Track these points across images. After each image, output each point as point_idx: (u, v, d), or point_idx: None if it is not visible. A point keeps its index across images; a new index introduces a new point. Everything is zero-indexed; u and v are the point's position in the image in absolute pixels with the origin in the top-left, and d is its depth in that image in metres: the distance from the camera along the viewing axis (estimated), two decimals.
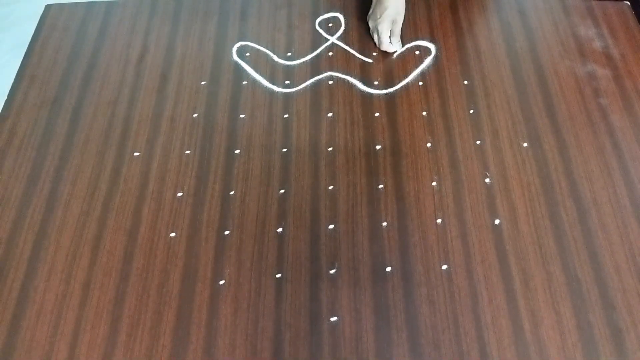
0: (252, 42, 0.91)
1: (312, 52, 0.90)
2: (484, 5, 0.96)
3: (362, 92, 0.85)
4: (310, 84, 0.86)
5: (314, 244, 0.70)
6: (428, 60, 0.88)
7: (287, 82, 0.86)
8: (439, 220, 0.71)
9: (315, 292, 0.66)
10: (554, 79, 0.85)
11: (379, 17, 0.84)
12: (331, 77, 0.87)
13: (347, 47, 0.90)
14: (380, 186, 0.75)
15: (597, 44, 0.89)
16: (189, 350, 0.63)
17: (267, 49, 0.91)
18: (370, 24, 0.87)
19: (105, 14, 0.97)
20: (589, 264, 0.67)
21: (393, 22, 0.85)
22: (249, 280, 0.67)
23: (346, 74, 0.87)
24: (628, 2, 0.95)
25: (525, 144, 0.78)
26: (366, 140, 0.79)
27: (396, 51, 0.86)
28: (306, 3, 0.98)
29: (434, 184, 0.75)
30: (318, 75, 0.87)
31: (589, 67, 0.87)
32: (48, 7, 0.99)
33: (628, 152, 0.77)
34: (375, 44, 0.90)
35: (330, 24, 0.94)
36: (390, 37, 0.86)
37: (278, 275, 0.68)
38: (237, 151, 0.79)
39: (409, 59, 0.89)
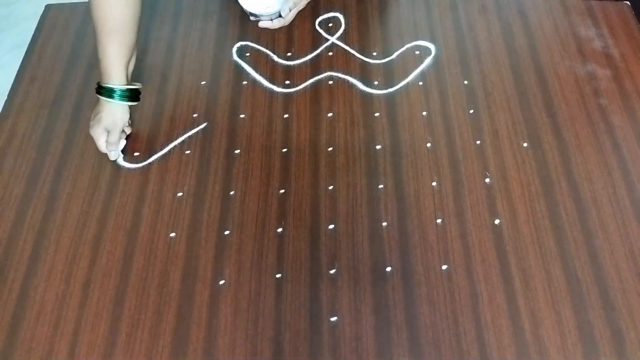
0: (252, 42, 0.91)
1: (312, 52, 0.90)
2: (484, 5, 0.96)
3: (362, 92, 0.85)
4: (310, 84, 0.86)
5: (314, 244, 0.70)
6: (428, 60, 0.88)
7: (287, 82, 0.86)
8: (439, 220, 0.71)
9: (315, 292, 0.66)
10: (554, 79, 0.85)
11: (92, 120, 0.77)
12: (331, 77, 0.87)
13: (347, 47, 0.90)
14: (380, 186, 0.75)
15: (597, 44, 0.89)
16: (189, 350, 0.63)
17: (267, 49, 0.91)
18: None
19: None
20: (589, 264, 0.67)
21: (107, 132, 0.76)
22: (249, 280, 0.67)
23: (346, 74, 0.87)
24: (628, 2, 0.95)
25: (525, 144, 0.78)
26: (366, 140, 0.79)
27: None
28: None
29: (434, 184, 0.75)
30: (318, 75, 0.87)
31: (589, 67, 0.87)
32: (48, 7, 0.99)
33: (628, 152, 0.77)
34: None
35: (330, 24, 0.94)
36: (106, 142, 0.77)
37: (278, 275, 0.68)
38: (237, 151, 0.79)
39: (409, 59, 0.89)
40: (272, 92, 0.85)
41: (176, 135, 0.81)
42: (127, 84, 0.77)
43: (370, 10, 0.95)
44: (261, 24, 0.82)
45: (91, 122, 0.77)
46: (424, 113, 0.82)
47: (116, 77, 0.76)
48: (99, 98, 0.76)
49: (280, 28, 0.92)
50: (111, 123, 0.76)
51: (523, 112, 0.81)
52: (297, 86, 0.86)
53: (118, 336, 0.64)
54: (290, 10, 0.78)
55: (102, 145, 0.77)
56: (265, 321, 0.64)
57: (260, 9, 0.81)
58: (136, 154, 0.79)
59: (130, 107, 0.79)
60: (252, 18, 0.86)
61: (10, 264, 0.69)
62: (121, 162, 0.78)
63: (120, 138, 0.77)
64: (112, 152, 0.77)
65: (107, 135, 0.76)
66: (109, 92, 0.75)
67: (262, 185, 0.75)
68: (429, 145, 0.79)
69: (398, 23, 0.94)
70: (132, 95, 0.78)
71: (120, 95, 0.76)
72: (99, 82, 0.77)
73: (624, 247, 0.69)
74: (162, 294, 0.67)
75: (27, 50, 0.93)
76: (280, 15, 0.80)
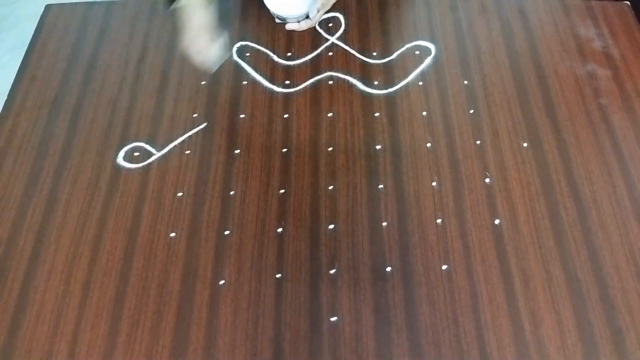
0: (252, 42, 0.91)
1: (312, 52, 0.90)
2: (483, 5, 0.96)
3: (362, 92, 0.85)
4: (310, 84, 0.86)
5: (314, 244, 0.70)
6: (428, 60, 0.88)
7: (287, 82, 0.86)
8: (439, 220, 0.71)
9: (315, 292, 0.66)
10: (554, 79, 0.85)
11: (187, 42, 0.74)
12: (331, 77, 0.87)
13: (347, 47, 0.90)
14: (380, 186, 0.75)
15: (597, 44, 0.89)
16: (189, 350, 0.63)
17: (267, 49, 0.91)
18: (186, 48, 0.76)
19: (105, 14, 0.97)
20: (589, 264, 0.67)
21: (199, 31, 0.75)
22: (249, 280, 0.67)
23: (346, 74, 0.87)
24: (628, 2, 0.95)
25: (525, 144, 0.78)
26: (366, 140, 0.79)
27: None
28: None
29: (434, 184, 0.75)
30: (318, 75, 0.87)
31: (589, 67, 0.87)
32: (48, 7, 0.99)
33: (628, 152, 0.77)
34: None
35: (330, 24, 0.94)
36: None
37: (278, 275, 0.68)
38: (237, 151, 0.79)
39: (409, 59, 0.89)
40: (272, 92, 0.85)
41: (176, 135, 0.81)
42: None
43: (370, 10, 0.95)
44: (288, 26, 0.81)
45: (187, 44, 0.73)
46: (424, 113, 0.82)
47: None
48: (175, 12, 0.72)
49: (279, 27, 0.92)
50: (199, 17, 0.73)
51: (523, 112, 0.81)
52: (297, 86, 0.86)
53: (118, 336, 0.64)
54: (318, 11, 0.78)
55: (212, 49, 0.74)
56: (265, 321, 0.64)
57: (290, 11, 0.80)
58: (136, 154, 0.79)
59: None
60: (277, 20, 0.85)
61: (10, 264, 0.69)
62: (121, 162, 0.78)
63: (209, 34, 0.74)
64: (211, 52, 0.74)
65: (199, 37, 0.73)
66: None
67: (262, 185, 0.75)
68: (429, 145, 0.78)
69: (398, 23, 0.94)
70: None
71: None
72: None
73: (624, 247, 0.69)
74: (162, 293, 0.67)
75: (27, 50, 0.93)
76: (307, 17, 0.79)
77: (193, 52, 0.75)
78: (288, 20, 0.80)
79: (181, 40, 0.74)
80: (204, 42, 0.75)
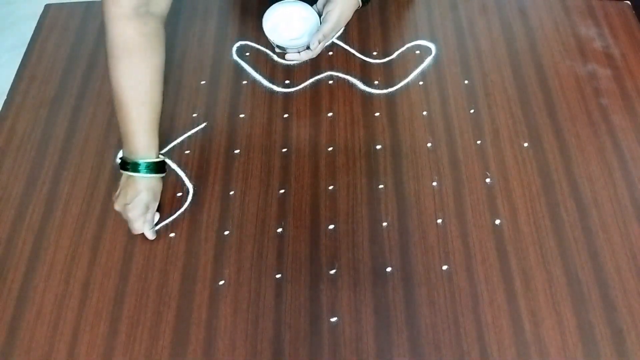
0: (252, 41, 0.91)
1: None
2: (484, 4, 0.96)
3: (362, 92, 0.85)
4: (310, 83, 0.86)
5: (314, 244, 0.70)
6: (428, 60, 0.88)
7: (287, 81, 0.86)
8: (439, 221, 0.71)
9: (315, 293, 0.66)
10: (555, 79, 0.85)
11: (129, 203, 0.68)
12: (331, 77, 0.86)
13: (347, 47, 0.90)
14: (381, 186, 0.74)
15: (598, 44, 0.89)
16: (188, 350, 0.63)
17: (267, 48, 0.90)
18: (117, 207, 0.70)
19: None
20: (589, 264, 0.67)
21: (147, 208, 0.70)
22: (249, 281, 0.67)
23: (346, 74, 0.87)
24: (629, 2, 0.95)
25: (525, 144, 0.78)
26: (366, 140, 0.79)
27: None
28: (306, 2, 0.97)
29: (434, 184, 0.74)
30: (318, 74, 0.87)
31: (589, 66, 0.86)
32: (48, 7, 0.99)
33: (629, 152, 0.77)
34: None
35: None
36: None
37: (278, 276, 0.67)
38: (237, 151, 0.79)
39: (409, 59, 0.88)
40: (272, 91, 0.85)
41: (176, 135, 0.81)
42: (159, 156, 0.71)
43: (370, 10, 0.95)
44: (288, 57, 0.79)
45: (127, 206, 0.68)
46: (425, 113, 0.82)
47: (155, 149, 0.70)
48: (129, 177, 0.69)
49: None
50: (153, 198, 0.70)
51: (524, 112, 0.81)
52: (297, 86, 0.86)
53: (117, 336, 0.64)
54: (319, 43, 0.77)
55: (140, 227, 0.69)
56: (265, 322, 0.64)
57: (290, 42, 0.79)
58: None
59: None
60: (277, 50, 0.84)
61: (9, 264, 0.69)
62: None
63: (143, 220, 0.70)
64: (150, 232, 0.70)
65: (146, 216, 0.69)
66: (142, 168, 0.69)
67: (262, 185, 0.75)
68: (429, 145, 0.78)
69: (398, 22, 0.94)
70: (162, 165, 0.72)
71: (156, 168, 0.70)
72: (124, 159, 0.70)
73: (624, 247, 0.68)
74: (162, 294, 0.66)
75: (26, 49, 0.93)
76: (308, 47, 0.79)
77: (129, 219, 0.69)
78: (288, 50, 0.80)
79: (115, 201, 0.70)
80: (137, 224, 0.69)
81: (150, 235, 0.70)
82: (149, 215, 0.70)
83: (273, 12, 0.81)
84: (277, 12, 0.81)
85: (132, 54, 0.68)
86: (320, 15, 0.80)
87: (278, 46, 0.80)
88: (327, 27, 0.76)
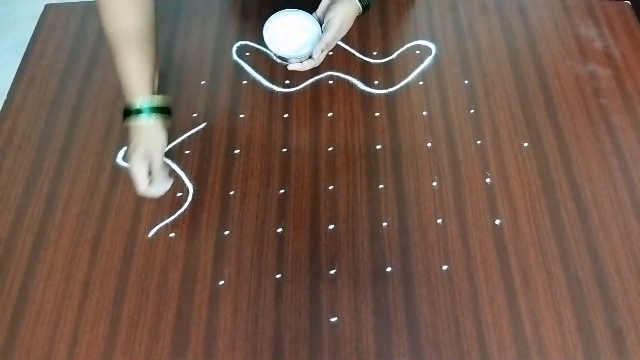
0: (252, 41, 0.91)
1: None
2: (484, 4, 0.96)
3: (363, 92, 0.85)
4: (310, 83, 0.86)
5: (314, 244, 0.70)
6: (428, 60, 0.88)
7: (287, 81, 0.86)
8: (439, 221, 0.71)
9: (315, 293, 0.66)
10: (555, 79, 0.85)
11: (129, 154, 0.67)
12: (331, 77, 0.86)
13: (347, 47, 0.90)
14: (381, 186, 0.74)
15: (598, 44, 0.89)
16: (188, 350, 0.63)
17: (267, 48, 0.90)
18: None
19: None
20: (589, 264, 0.67)
21: (147, 160, 0.68)
22: (249, 281, 0.67)
23: (346, 74, 0.86)
24: (629, 2, 0.95)
25: (525, 144, 0.78)
26: (366, 140, 0.79)
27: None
28: (306, 2, 0.97)
29: (434, 184, 0.74)
30: (318, 75, 0.87)
31: (589, 66, 0.86)
32: (48, 7, 0.99)
33: (629, 152, 0.77)
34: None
35: None
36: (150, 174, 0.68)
37: (278, 276, 0.67)
38: (237, 151, 0.79)
39: (409, 59, 0.88)
40: (272, 91, 0.85)
41: (176, 135, 0.81)
42: (153, 99, 0.69)
43: (370, 11, 0.95)
44: (290, 67, 0.79)
45: (129, 157, 0.67)
46: (425, 113, 0.82)
47: (141, 92, 0.67)
48: (129, 127, 0.68)
49: None
50: (151, 146, 0.67)
51: (524, 112, 0.81)
52: (297, 86, 0.86)
53: (117, 336, 0.64)
54: (322, 52, 0.76)
55: (143, 182, 0.66)
56: (265, 322, 0.64)
57: (293, 53, 0.79)
58: None
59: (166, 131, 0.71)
60: (279, 60, 0.84)
61: (9, 264, 0.69)
62: (120, 162, 0.78)
63: (163, 168, 0.68)
64: (159, 187, 0.66)
65: (151, 167, 0.67)
66: (137, 113, 0.67)
67: (262, 185, 0.75)
68: (429, 145, 0.78)
69: (398, 23, 0.94)
70: (164, 110, 0.70)
71: (150, 111, 0.67)
72: (124, 107, 0.69)
73: (624, 247, 0.68)
74: (162, 294, 0.66)
75: (26, 50, 0.93)
76: (310, 57, 0.78)
77: (139, 180, 0.67)
78: (290, 60, 0.80)
79: (129, 160, 0.68)
80: (155, 178, 0.69)
81: (156, 192, 0.66)
82: (154, 166, 0.66)
83: (273, 22, 0.81)
84: (277, 22, 0.81)
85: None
86: (320, 23, 0.80)
87: (280, 57, 0.80)
88: (329, 35, 0.76)
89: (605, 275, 0.66)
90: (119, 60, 0.68)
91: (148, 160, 0.67)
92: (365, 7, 0.80)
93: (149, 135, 0.69)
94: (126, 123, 0.69)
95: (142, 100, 0.68)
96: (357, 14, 0.79)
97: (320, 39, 0.76)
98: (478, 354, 0.61)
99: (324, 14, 0.79)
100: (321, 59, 0.78)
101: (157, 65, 0.72)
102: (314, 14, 0.82)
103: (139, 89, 0.68)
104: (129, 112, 0.68)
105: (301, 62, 0.78)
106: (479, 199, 0.73)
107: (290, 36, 0.80)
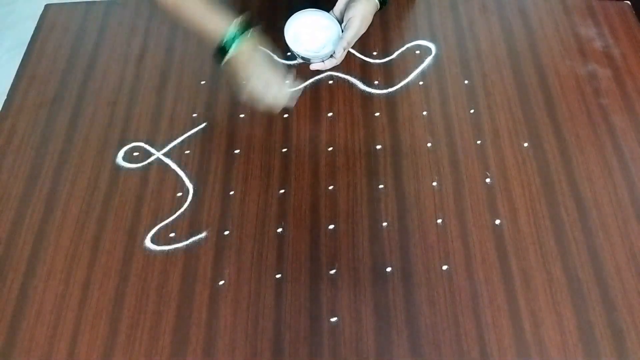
0: None
1: None
2: (484, 4, 0.96)
3: (362, 92, 0.85)
4: (310, 83, 0.86)
5: (314, 244, 0.70)
6: (428, 60, 0.88)
7: (287, 82, 0.86)
8: (439, 221, 0.71)
9: (315, 293, 0.66)
10: (555, 79, 0.85)
11: (246, 88, 0.72)
12: (331, 77, 0.86)
13: None
14: (381, 186, 0.74)
15: (598, 44, 0.89)
16: (188, 350, 0.63)
17: (267, 48, 0.90)
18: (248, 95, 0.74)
19: (105, 14, 0.97)
20: (589, 264, 0.67)
21: (261, 77, 0.73)
22: (249, 281, 0.67)
23: (346, 74, 0.87)
24: (629, 2, 0.95)
25: (525, 144, 0.78)
26: (366, 140, 0.79)
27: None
28: (306, 3, 0.97)
29: (434, 184, 0.74)
30: (318, 75, 0.87)
31: (589, 66, 0.86)
32: (48, 7, 0.99)
33: (629, 152, 0.77)
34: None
35: None
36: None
37: (278, 276, 0.67)
38: (237, 151, 0.79)
39: (409, 59, 0.88)
40: None
41: (176, 135, 0.81)
42: (237, 24, 0.72)
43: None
44: (313, 67, 0.79)
45: (248, 89, 0.72)
46: (424, 113, 0.82)
47: (224, 25, 0.71)
48: (228, 64, 0.72)
49: (280, 28, 0.92)
50: (260, 62, 0.72)
51: (524, 112, 0.81)
52: (297, 86, 0.86)
53: (117, 337, 0.64)
54: (343, 50, 0.78)
55: (275, 96, 0.72)
56: (265, 321, 0.64)
57: (315, 53, 0.79)
58: (136, 154, 0.79)
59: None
60: (300, 61, 0.84)
61: (9, 264, 0.69)
62: (120, 162, 0.78)
63: (277, 72, 0.72)
64: (282, 92, 0.72)
65: (266, 80, 0.72)
66: (231, 42, 0.71)
67: (262, 185, 0.75)
68: (429, 145, 0.78)
69: (398, 22, 0.94)
70: (245, 26, 0.73)
71: (238, 37, 0.71)
72: (216, 48, 0.72)
73: (624, 247, 0.68)
74: (162, 294, 0.66)
75: (26, 49, 0.93)
76: (331, 56, 0.79)
77: (267, 96, 0.73)
78: (312, 60, 0.80)
79: (248, 88, 0.73)
80: (276, 84, 0.74)
81: (284, 97, 0.72)
82: (266, 76, 0.72)
83: (293, 22, 0.81)
84: (297, 23, 0.82)
85: None
86: (340, 22, 0.80)
87: (302, 57, 0.80)
88: (350, 33, 0.77)
89: (605, 275, 0.66)
90: (190, 12, 0.72)
91: (263, 79, 0.72)
92: (383, 3, 0.81)
93: (250, 54, 0.72)
94: (224, 59, 0.72)
95: (230, 30, 0.71)
96: (375, 11, 0.81)
97: (341, 37, 0.77)
98: (478, 354, 0.61)
99: (342, 12, 0.80)
100: (342, 58, 0.79)
101: None
102: (331, 12, 0.82)
103: (221, 24, 0.71)
104: (223, 49, 0.71)
105: (323, 61, 0.79)
106: (479, 199, 0.73)
107: (312, 36, 0.81)
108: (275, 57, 0.89)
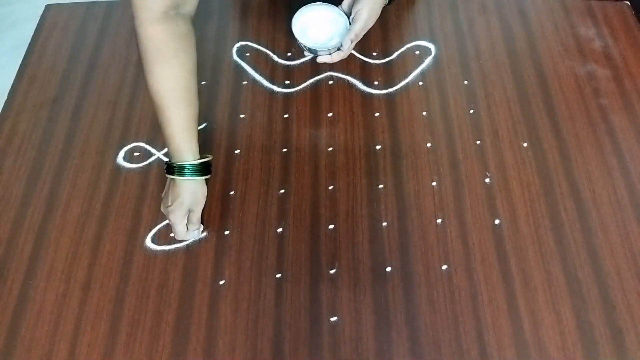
0: (252, 42, 0.91)
1: None
2: (484, 5, 0.96)
3: (362, 92, 0.85)
4: (310, 84, 0.86)
5: (314, 244, 0.70)
6: (428, 60, 0.88)
7: (287, 82, 0.86)
8: (439, 221, 0.71)
9: (315, 292, 0.66)
10: (554, 79, 0.85)
11: (170, 205, 0.69)
12: (331, 77, 0.87)
13: None
14: (380, 186, 0.75)
15: (597, 44, 0.89)
16: (189, 350, 0.63)
17: (267, 49, 0.91)
18: (162, 209, 0.72)
19: (105, 14, 0.97)
20: (589, 264, 0.67)
21: (189, 211, 0.70)
22: (249, 280, 0.67)
23: (346, 74, 0.87)
24: (628, 2, 0.95)
25: (525, 144, 0.78)
26: (366, 140, 0.79)
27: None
28: (306, 3, 0.97)
29: (434, 184, 0.75)
30: (318, 75, 0.87)
31: (588, 67, 0.87)
32: (48, 7, 0.99)
33: (628, 152, 0.77)
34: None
35: None
36: (187, 224, 0.70)
37: (278, 275, 0.68)
38: (237, 151, 0.79)
39: (409, 59, 0.89)
40: (272, 92, 0.85)
41: None
42: (200, 157, 0.71)
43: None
44: (320, 59, 0.79)
45: (168, 208, 0.69)
46: (424, 113, 0.82)
47: (189, 152, 0.69)
48: (172, 180, 0.70)
49: (279, 27, 0.92)
50: (194, 202, 0.70)
51: (523, 112, 0.81)
52: (297, 86, 0.86)
53: (118, 336, 0.64)
54: (351, 42, 0.78)
55: (182, 231, 0.69)
56: (265, 321, 0.64)
57: (322, 45, 0.80)
58: (136, 154, 0.79)
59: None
60: (307, 54, 0.85)
61: (10, 264, 0.69)
62: (121, 162, 0.78)
63: (199, 220, 0.71)
64: (195, 232, 0.70)
65: (189, 217, 0.70)
66: (181, 170, 0.69)
67: (262, 185, 0.75)
68: (429, 145, 0.78)
69: (398, 23, 0.94)
70: (207, 166, 0.73)
71: (197, 171, 0.70)
72: (168, 162, 0.70)
73: (624, 247, 0.69)
74: (162, 294, 0.67)
75: (27, 50, 0.93)
76: (339, 48, 0.79)
77: (179, 231, 0.70)
78: (319, 53, 0.80)
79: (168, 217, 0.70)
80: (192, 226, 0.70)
81: (194, 235, 0.70)
82: (193, 218, 0.70)
83: (301, 15, 0.82)
84: (305, 16, 0.82)
85: (166, 57, 0.68)
86: (348, 15, 0.80)
87: (309, 49, 0.81)
88: (358, 26, 0.77)
89: (605, 275, 0.67)
90: (165, 119, 0.68)
91: (187, 215, 0.70)
92: None
93: (194, 192, 0.70)
94: (170, 177, 0.70)
95: (189, 159, 0.69)
96: (383, 4, 0.81)
97: (349, 30, 0.77)
98: (478, 353, 0.61)
99: (350, 6, 0.80)
100: (349, 51, 0.79)
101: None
102: (339, 6, 0.82)
103: (187, 148, 0.69)
104: (172, 168, 0.69)
105: (330, 53, 0.79)
106: (478, 199, 0.73)
107: (319, 28, 0.81)
108: (275, 58, 0.89)
